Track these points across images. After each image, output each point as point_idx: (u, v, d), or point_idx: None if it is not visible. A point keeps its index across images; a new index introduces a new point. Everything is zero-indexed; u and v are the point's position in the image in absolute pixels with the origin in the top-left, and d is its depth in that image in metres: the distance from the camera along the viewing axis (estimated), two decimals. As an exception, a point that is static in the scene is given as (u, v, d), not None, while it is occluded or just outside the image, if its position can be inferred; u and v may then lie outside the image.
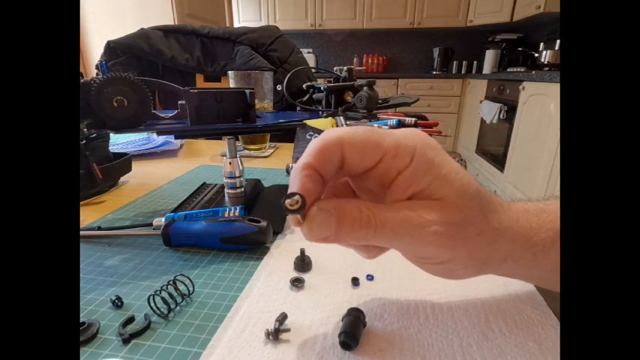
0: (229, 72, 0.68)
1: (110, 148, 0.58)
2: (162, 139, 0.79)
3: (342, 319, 0.25)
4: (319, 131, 0.67)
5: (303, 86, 0.71)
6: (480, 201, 0.20)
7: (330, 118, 0.73)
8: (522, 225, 0.22)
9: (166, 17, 1.81)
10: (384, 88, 3.58)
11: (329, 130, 0.20)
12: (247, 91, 0.40)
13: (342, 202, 0.19)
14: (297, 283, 0.30)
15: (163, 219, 0.38)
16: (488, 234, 0.20)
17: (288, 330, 0.25)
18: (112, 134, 0.63)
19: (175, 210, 0.41)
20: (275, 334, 0.24)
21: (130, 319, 0.26)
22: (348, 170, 0.20)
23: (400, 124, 0.73)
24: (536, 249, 0.22)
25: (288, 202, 0.18)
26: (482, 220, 0.20)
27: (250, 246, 0.36)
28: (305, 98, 0.70)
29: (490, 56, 3.42)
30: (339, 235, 0.19)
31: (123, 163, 0.57)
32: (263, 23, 3.75)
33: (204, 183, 0.51)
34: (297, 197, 0.18)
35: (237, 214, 0.38)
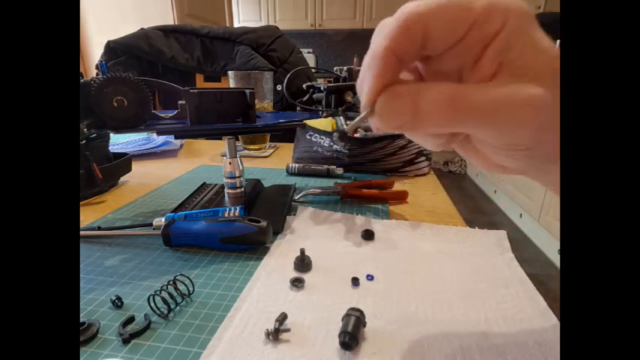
0: (229, 72, 0.68)
1: (110, 148, 0.58)
2: (162, 139, 0.79)
3: (342, 319, 0.25)
4: (319, 131, 0.67)
5: (303, 86, 0.71)
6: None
7: (330, 118, 0.73)
8: None
9: (166, 17, 1.81)
10: (384, 88, 3.58)
11: (409, 4, 0.17)
12: (247, 91, 0.40)
13: (421, 85, 0.17)
14: (297, 283, 0.30)
15: (163, 219, 0.38)
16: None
17: (288, 330, 0.25)
18: (112, 134, 0.63)
19: (175, 210, 0.41)
20: (275, 334, 0.24)
21: (130, 319, 0.26)
22: (430, 48, 0.17)
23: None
24: None
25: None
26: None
27: (250, 246, 0.36)
28: (305, 98, 0.70)
29: (490, 56, 3.42)
30: (416, 121, 0.16)
31: (123, 163, 0.57)
32: (263, 23, 3.75)
33: (204, 183, 0.51)
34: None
35: (237, 214, 0.38)
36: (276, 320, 0.25)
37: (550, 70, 0.17)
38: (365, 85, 0.18)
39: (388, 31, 0.17)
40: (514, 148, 0.18)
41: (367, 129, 0.72)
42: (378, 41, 0.17)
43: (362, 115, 0.18)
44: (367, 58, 0.18)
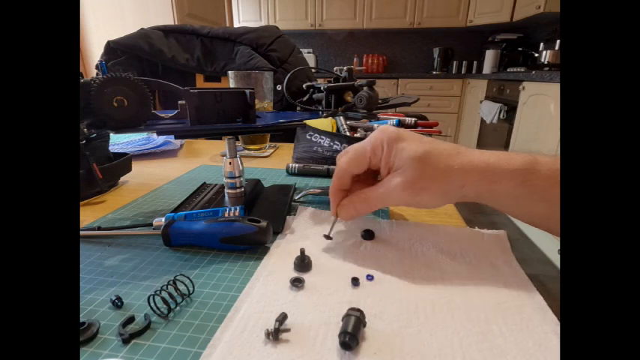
0: (229, 72, 0.68)
1: (110, 148, 0.58)
2: (162, 139, 0.79)
3: (342, 319, 0.25)
4: (319, 131, 0.67)
5: (303, 86, 0.71)
6: (422, 160, 0.31)
7: (330, 118, 0.73)
8: (476, 163, 0.31)
9: (166, 17, 1.81)
10: (384, 88, 3.58)
11: (339, 163, 0.36)
12: (247, 91, 0.40)
13: (351, 197, 0.36)
14: (297, 283, 0.30)
15: (163, 219, 0.38)
16: (441, 174, 0.31)
17: (288, 330, 0.25)
18: (112, 134, 0.63)
19: (175, 210, 0.41)
20: (275, 334, 0.24)
21: (130, 319, 0.26)
22: (357, 175, 0.36)
23: (400, 124, 0.73)
24: (491, 179, 0.30)
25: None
26: (429, 169, 0.31)
27: (250, 246, 0.36)
28: (305, 98, 0.70)
29: (490, 56, 3.42)
30: (358, 214, 0.36)
31: (123, 163, 0.57)
32: (263, 23, 3.75)
33: (204, 183, 0.51)
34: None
35: (237, 214, 0.38)
36: (276, 320, 0.25)
37: (408, 160, 0.32)
38: (331, 202, 0.37)
39: (334, 181, 0.36)
40: (409, 204, 0.34)
41: (368, 129, 0.72)
42: (332, 185, 0.37)
43: (333, 221, 0.37)
44: (330, 194, 0.37)
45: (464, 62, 3.80)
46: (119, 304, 0.28)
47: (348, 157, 0.35)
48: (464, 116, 3.58)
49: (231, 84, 0.68)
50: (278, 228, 0.40)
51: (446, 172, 0.31)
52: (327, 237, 0.36)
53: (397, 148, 0.32)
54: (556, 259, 1.76)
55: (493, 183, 0.30)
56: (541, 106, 1.99)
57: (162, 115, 0.40)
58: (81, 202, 0.49)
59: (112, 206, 0.48)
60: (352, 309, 0.25)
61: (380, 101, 0.73)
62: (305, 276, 0.31)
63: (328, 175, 0.60)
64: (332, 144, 0.65)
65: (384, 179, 0.33)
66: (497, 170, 0.30)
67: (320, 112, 0.61)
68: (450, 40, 3.89)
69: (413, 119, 0.74)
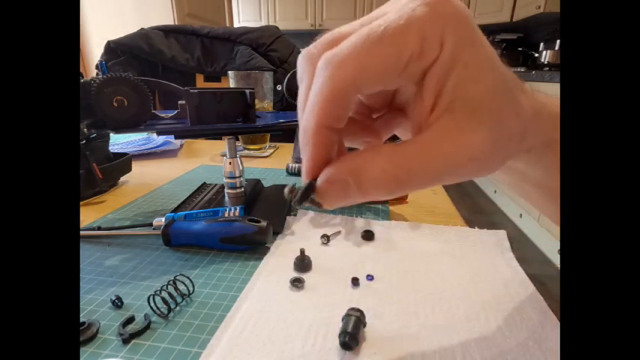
0: (229, 72, 0.68)
1: (110, 148, 0.58)
2: (162, 139, 0.79)
3: (342, 319, 0.25)
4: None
5: (303, 86, 0.72)
6: (511, 95, 0.16)
7: None
8: (544, 118, 0.19)
9: (166, 17, 1.81)
10: (384, 88, 3.57)
11: (332, 54, 0.15)
12: (247, 91, 0.40)
13: (360, 161, 0.16)
14: (297, 283, 0.30)
15: (163, 219, 0.38)
16: (520, 130, 0.17)
17: (317, 205, 0.17)
18: (112, 134, 0.63)
19: (175, 210, 0.41)
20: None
21: (130, 319, 0.26)
22: (366, 102, 0.17)
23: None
24: (545, 143, 0.20)
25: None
26: (514, 118, 0.17)
27: (250, 246, 0.36)
28: (305, 98, 0.71)
29: (490, 56, 3.42)
30: (364, 197, 0.16)
31: (123, 163, 0.57)
32: (263, 23, 3.74)
33: (204, 183, 0.51)
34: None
35: (237, 214, 0.38)
36: (308, 183, 0.17)
37: (493, 93, 0.16)
38: (303, 162, 0.17)
39: (320, 102, 0.15)
40: (462, 177, 0.17)
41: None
42: (307, 117, 0.16)
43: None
44: (300, 132, 0.16)
45: (464, 62, 3.80)
46: (119, 304, 0.28)
47: (360, 48, 0.14)
48: (464, 116, 3.58)
49: (231, 84, 0.68)
50: (278, 228, 0.40)
51: (528, 125, 0.18)
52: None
53: (477, 55, 0.16)
54: (556, 259, 1.76)
55: (546, 149, 0.20)
56: (541, 106, 1.99)
57: (163, 115, 0.40)
58: (81, 202, 0.49)
59: (112, 206, 0.48)
60: (352, 309, 0.25)
61: (380, 101, 0.73)
62: (305, 276, 0.31)
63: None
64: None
65: (440, 126, 0.15)
66: (555, 129, 0.19)
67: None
68: (450, 40, 3.88)
69: (413, 119, 0.74)
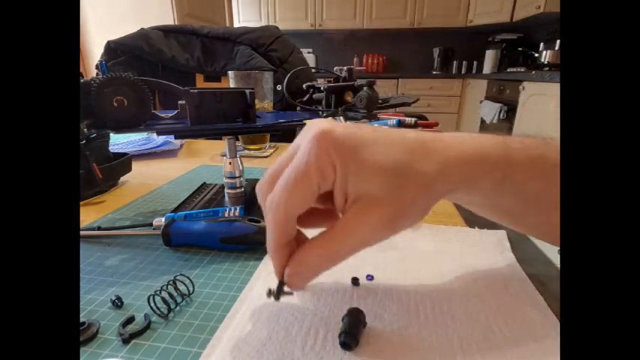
0: (229, 72, 0.68)
1: (110, 148, 0.58)
2: (162, 139, 0.79)
3: (342, 319, 0.25)
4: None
5: (303, 86, 0.71)
6: (398, 175, 0.21)
7: (330, 118, 0.73)
8: (453, 169, 0.23)
9: (166, 17, 1.81)
10: (384, 88, 3.58)
11: (272, 205, 0.22)
12: (247, 91, 0.40)
13: (303, 254, 0.23)
14: (297, 283, 0.30)
15: (163, 219, 0.38)
16: (420, 194, 0.22)
17: (290, 293, 0.25)
18: (112, 134, 0.63)
19: (175, 210, 0.41)
20: (277, 294, 0.25)
21: (130, 319, 0.26)
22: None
23: (400, 124, 0.73)
24: (467, 182, 0.24)
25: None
26: (410, 189, 0.22)
27: (250, 246, 0.36)
28: (305, 98, 0.70)
29: (490, 56, 3.42)
30: (316, 274, 0.23)
31: (123, 163, 0.57)
32: (263, 23, 3.74)
33: (204, 183, 0.51)
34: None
35: (237, 214, 0.38)
36: (279, 282, 0.24)
37: (380, 183, 0.21)
38: (274, 264, 0.24)
39: (269, 233, 0.23)
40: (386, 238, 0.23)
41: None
42: (267, 239, 0.23)
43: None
44: (268, 244, 0.24)
45: (464, 62, 3.80)
46: (119, 304, 0.28)
47: (284, 193, 0.21)
48: (464, 116, 3.58)
49: (231, 84, 0.68)
50: (278, 228, 0.40)
51: (427, 186, 0.22)
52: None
53: (358, 165, 0.21)
54: (556, 259, 1.76)
55: (473, 184, 0.24)
56: (541, 106, 1.99)
57: (163, 115, 0.40)
58: (81, 202, 0.49)
59: (112, 206, 0.48)
60: (352, 309, 0.25)
61: (380, 101, 0.73)
62: (305, 276, 0.31)
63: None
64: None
65: (348, 216, 0.22)
66: (474, 165, 0.23)
67: (320, 112, 0.61)
68: (450, 40, 3.89)
69: (413, 119, 0.74)
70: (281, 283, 0.24)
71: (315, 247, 0.23)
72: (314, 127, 0.21)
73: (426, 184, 0.22)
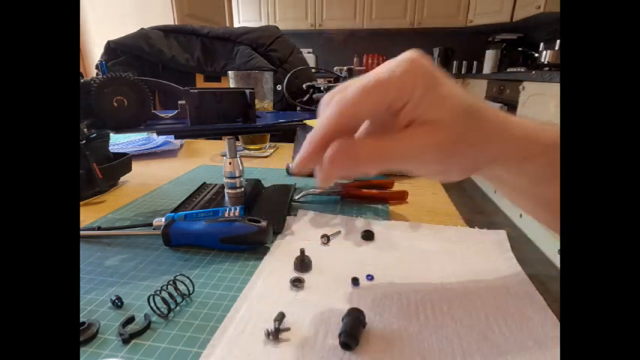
0: (229, 72, 0.68)
1: (110, 148, 0.58)
2: (162, 139, 0.79)
3: (342, 319, 0.25)
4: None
5: (303, 86, 0.71)
6: (469, 115, 0.23)
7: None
8: (511, 134, 0.24)
9: (166, 17, 1.81)
10: (384, 88, 3.57)
11: (339, 98, 0.22)
12: (247, 91, 0.40)
13: (351, 143, 0.22)
14: (297, 283, 0.30)
15: (163, 219, 0.38)
16: (479, 141, 0.23)
17: (287, 329, 0.25)
18: (112, 134, 0.63)
19: (175, 210, 0.41)
20: (275, 334, 0.24)
21: (130, 319, 0.26)
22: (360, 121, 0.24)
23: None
24: (521, 155, 0.25)
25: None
26: (473, 130, 0.23)
27: (250, 246, 0.36)
28: (305, 98, 0.71)
29: (490, 56, 3.42)
30: (357, 165, 0.22)
31: (123, 163, 0.57)
32: (263, 23, 3.74)
33: (204, 183, 0.51)
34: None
35: (237, 214, 0.38)
36: (275, 320, 0.25)
37: (451, 114, 0.22)
38: (302, 154, 0.23)
39: (325, 118, 0.22)
40: (429, 173, 0.25)
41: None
42: (319, 126, 0.22)
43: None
44: (314, 132, 0.23)
45: (464, 62, 3.80)
46: (119, 304, 0.28)
47: (360, 90, 0.21)
48: (464, 116, 3.58)
49: (231, 84, 0.68)
50: (278, 228, 0.40)
51: (489, 138, 0.24)
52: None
53: (437, 93, 0.22)
54: (556, 259, 1.76)
55: (523, 161, 0.25)
56: (541, 106, 1.99)
57: (163, 115, 0.40)
58: (81, 202, 0.49)
59: (112, 206, 0.48)
60: (352, 309, 0.25)
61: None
62: (305, 276, 0.31)
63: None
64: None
65: (406, 130, 0.22)
66: (529, 143, 0.24)
67: (320, 112, 0.61)
68: (450, 40, 3.89)
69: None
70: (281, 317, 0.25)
71: (368, 139, 0.23)
72: (410, 52, 0.22)
73: (488, 135, 0.24)
